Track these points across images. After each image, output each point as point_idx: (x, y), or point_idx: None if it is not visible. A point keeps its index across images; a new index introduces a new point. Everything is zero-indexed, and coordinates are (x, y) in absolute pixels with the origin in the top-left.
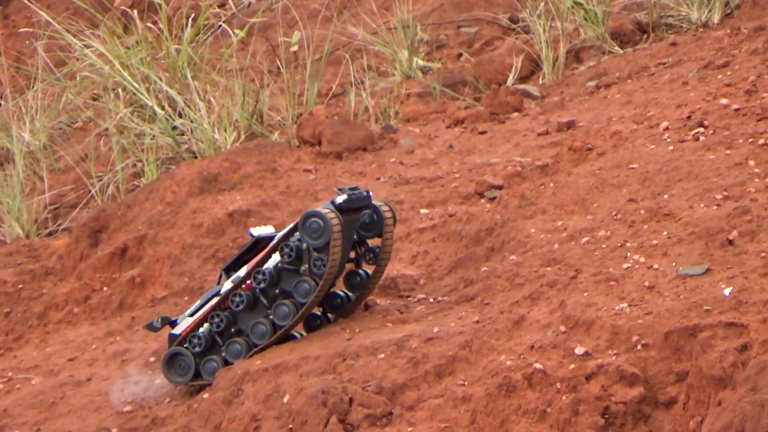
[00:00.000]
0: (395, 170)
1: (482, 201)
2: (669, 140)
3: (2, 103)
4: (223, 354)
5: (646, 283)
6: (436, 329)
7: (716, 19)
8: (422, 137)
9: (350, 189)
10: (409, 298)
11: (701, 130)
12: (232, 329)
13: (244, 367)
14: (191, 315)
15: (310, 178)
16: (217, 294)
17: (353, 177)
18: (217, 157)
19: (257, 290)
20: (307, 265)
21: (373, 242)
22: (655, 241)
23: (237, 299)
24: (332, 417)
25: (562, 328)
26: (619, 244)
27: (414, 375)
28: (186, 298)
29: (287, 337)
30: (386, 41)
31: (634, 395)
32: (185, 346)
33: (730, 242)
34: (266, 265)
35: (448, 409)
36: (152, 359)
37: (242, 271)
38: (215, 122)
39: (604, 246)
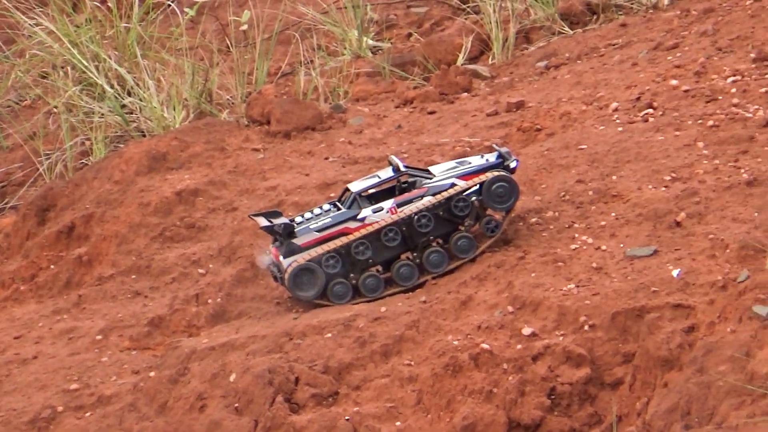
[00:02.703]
0: (344, 150)
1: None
2: (618, 121)
3: None
4: (354, 282)
5: (594, 264)
6: (383, 309)
7: (666, 0)
8: (371, 117)
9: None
10: None
11: (650, 111)
12: (370, 261)
13: (191, 346)
14: (318, 231)
15: (259, 157)
16: (353, 218)
17: (302, 156)
18: (166, 135)
19: (408, 231)
20: (472, 223)
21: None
22: (603, 222)
23: (390, 235)
24: (278, 396)
25: (510, 309)
26: (567, 225)
27: (360, 354)
28: (133, 276)
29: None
30: (336, 20)
31: (581, 376)
32: (317, 262)
33: (678, 224)
34: (415, 209)
35: (395, 388)
36: (99, 337)
37: (387, 203)
38: (164, 101)
39: (551, 227)
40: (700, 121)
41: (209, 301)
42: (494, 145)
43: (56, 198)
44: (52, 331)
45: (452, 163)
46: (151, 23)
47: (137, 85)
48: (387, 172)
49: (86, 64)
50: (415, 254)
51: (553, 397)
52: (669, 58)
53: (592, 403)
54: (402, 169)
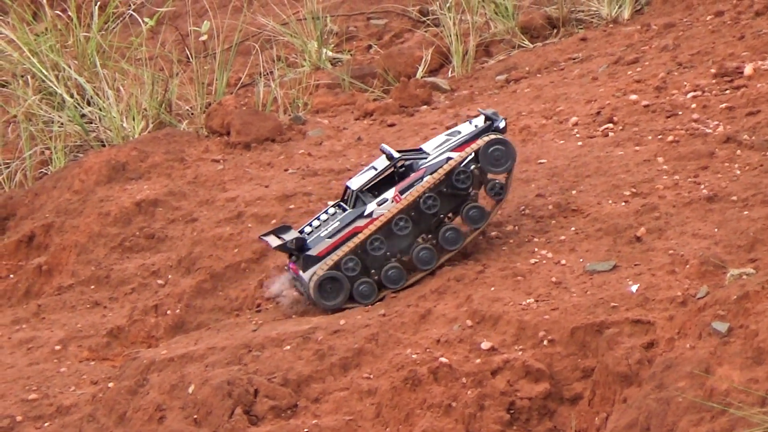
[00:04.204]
0: (303, 162)
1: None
2: (578, 135)
3: None
4: (376, 277)
5: (553, 279)
6: (342, 321)
7: (626, 14)
8: (331, 129)
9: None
10: None
11: (610, 125)
12: (387, 254)
13: (150, 357)
14: (330, 237)
15: (218, 168)
16: (361, 216)
17: (261, 167)
18: (126, 145)
19: (417, 215)
20: (477, 191)
21: None
22: (562, 237)
23: (402, 223)
24: (237, 408)
25: (469, 323)
26: (526, 239)
27: (320, 367)
28: (92, 286)
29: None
30: (296, 32)
31: (540, 391)
32: (338, 269)
33: (638, 239)
34: (419, 191)
35: (354, 401)
36: (58, 347)
37: (390, 193)
38: (124, 111)
39: (511, 241)
40: (660, 137)
41: (168, 312)
42: (479, 109)
43: (16, 207)
44: (11, 340)
45: (443, 137)
46: (111, 33)
47: (97, 94)
48: (382, 162)
49: (46, 73)
50: (430, 236)
51: (512, 411)
52: (629, 72)
53: (551, 418)
54: (396, 155)
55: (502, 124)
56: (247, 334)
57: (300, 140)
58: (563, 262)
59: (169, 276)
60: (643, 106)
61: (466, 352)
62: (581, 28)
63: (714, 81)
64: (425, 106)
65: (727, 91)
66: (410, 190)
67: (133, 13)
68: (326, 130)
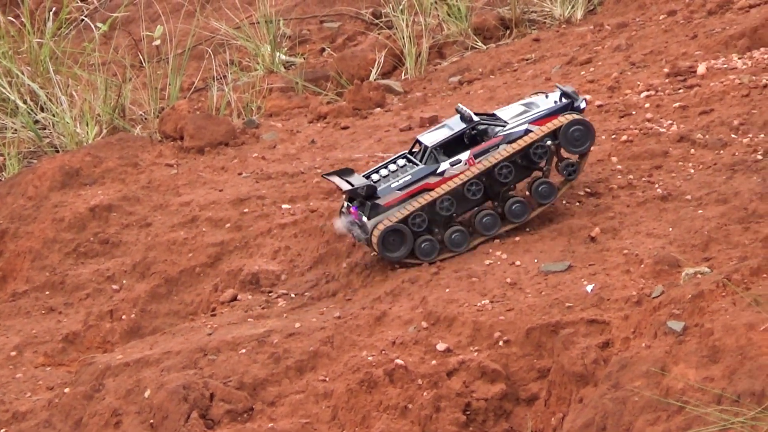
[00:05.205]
0: (257, 165)
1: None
2: None
3: None
4: (439, 237)
5: (508, 280)
6: (297, 325)
7: (579, 15)
8: (284, 132)
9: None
10: (270, 294)
11: None
12: (453, 215)
13: (106, 362)
14: (400, 189)
15: (172, 172)
16: (433, 173)
17: (215, 172)
18: (79, 151)
19: (488, 181)
20: (549, 168)
21: None
22: (517, 238)
23: (474, 188)
24: (193, 412)
25: (424, 324)
26: (481, 240)
27: (275, 370)
28: (47, 292)
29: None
30: (249, 36)
31: (496, 392)
32: (404, 223)
33: (592, 239)
34: (496, 159)
35: (310, 404)
36: (13, 353)
37: (464, 155)
38: (77, 116)
39: None
40: (614, 136)
41: (123, 317)
42: (557, 85)
43: None
44: None
45: (519, 107)
46: (64, 38)
47: (50, 100)
48: (457, 122)
49: None
50: (496, 203)
51: (468, 413)
52: (582, 72)
53: (507, 418)
54: (475, 119)
55: (582, 105)
56: (203, 338)
57: (254, 144)
58: (518, 263)
59: (124, 281)
60: (596, 106)
61: (421, 354)
62: (534, 29)
63: (667, 80)
64: (379, 109)
65: (681, 91)
66: (486, 156)
67: (86, 19)
68: (280, 133)
